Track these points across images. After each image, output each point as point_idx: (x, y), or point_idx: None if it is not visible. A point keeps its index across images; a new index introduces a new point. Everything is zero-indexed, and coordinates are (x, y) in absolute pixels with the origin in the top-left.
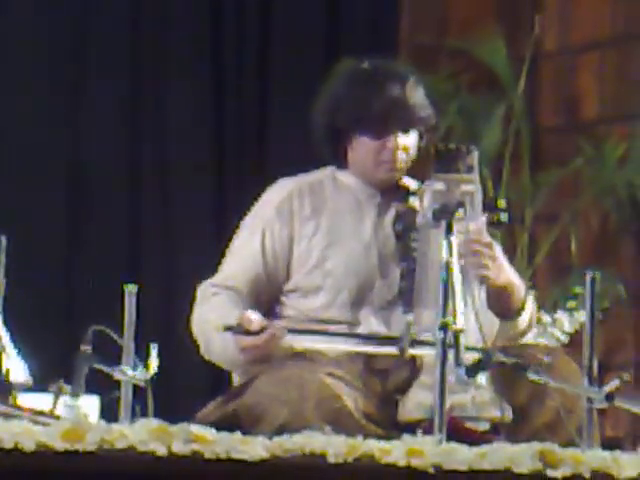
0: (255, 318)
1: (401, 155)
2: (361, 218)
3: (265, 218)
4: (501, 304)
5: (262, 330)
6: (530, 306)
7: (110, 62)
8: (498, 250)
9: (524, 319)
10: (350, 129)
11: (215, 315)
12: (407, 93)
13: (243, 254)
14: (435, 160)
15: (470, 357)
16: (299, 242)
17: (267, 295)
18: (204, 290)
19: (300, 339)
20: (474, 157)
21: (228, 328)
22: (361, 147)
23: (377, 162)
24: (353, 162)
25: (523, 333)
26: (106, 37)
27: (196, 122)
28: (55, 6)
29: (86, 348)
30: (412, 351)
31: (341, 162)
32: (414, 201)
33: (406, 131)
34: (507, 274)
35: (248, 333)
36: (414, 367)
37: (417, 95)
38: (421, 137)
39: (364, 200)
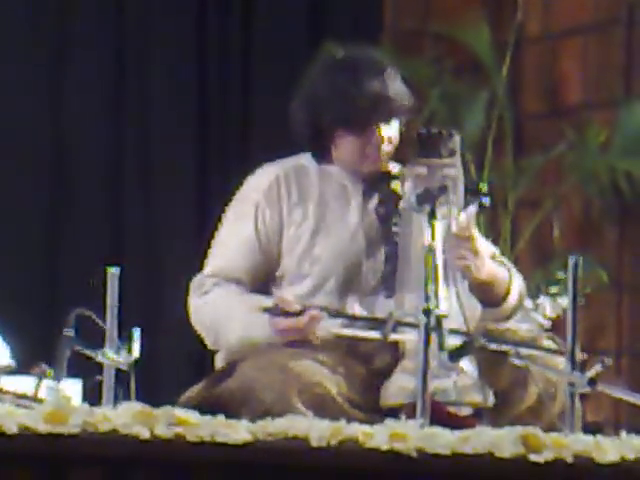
0: (293, 300)
1: (385, 147)
2: (347, 204)
3: (254, 204)
4: (484, 295)
5: (301, 312)
6: (516, 289)
7: (92, 56)
8: (480, 242)
9: (509, 304)
10: (333, 128)
11: (225, 303)
12: (386, 85)
13: (237, 242)
14: (417, 144)
15: (453, 342)
16: (288, 228)
17: (264, 282)
18: (201, 282)
19: (336, 324)
20: (456, 141)
21: (266, 309)
22: (345, 144)
23: (362, 157)
24: (337, 157)
25: (510, 315)
26: (89, 26)
27: (180, 110)
28: None
29: (69, 331)
30: (396, 336)
31: (325, 158)
32: (396, 185)
33: (388, 122)
34: (488, 267)
35: (287, 315)
36: (397, 352)
37: (396, 85)
38: (402, 123)
39: (349, 185)
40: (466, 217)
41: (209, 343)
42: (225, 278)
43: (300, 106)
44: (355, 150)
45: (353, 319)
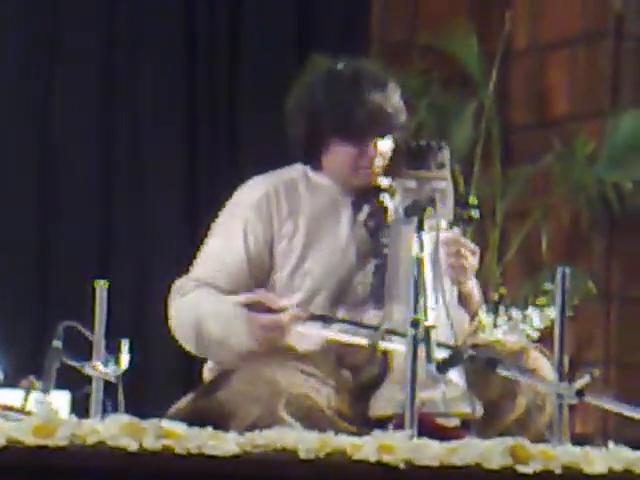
0: (275, 297)
1: (378, 161)
2: (337, 217)
3: (245, 219)
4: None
5: (283, 309)
6: (476, 321)
7: (82, 57)
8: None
9: (473, 325)
10: (330, 136)
11: (204, 303)
12: (388, 100)
13: (225, 257)
14: (406, 157)
15: (441, 354)
16: (279, 242)
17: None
18: (182, 285)
19: (317, 327)
20: (445, 154)
21: (247, 304)
22: (339, 153)
23: (355, 168)
24: (329, 166)
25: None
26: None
27: (168, 120)
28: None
29: (57, 344)
30: (385, 344)
31: (315, 164)
32: (386, 198)
33: (384, 137)
34: (471, 284)
35: (269, 311)
36: (385, 363)
37: (396, 101)
38: (395, 140)
39: (339, 198)
40: (454, 234)
41: (189, 347)
42: (205, 283)
43: (298, 110)
44: (348, 160)
45: (335, 322)
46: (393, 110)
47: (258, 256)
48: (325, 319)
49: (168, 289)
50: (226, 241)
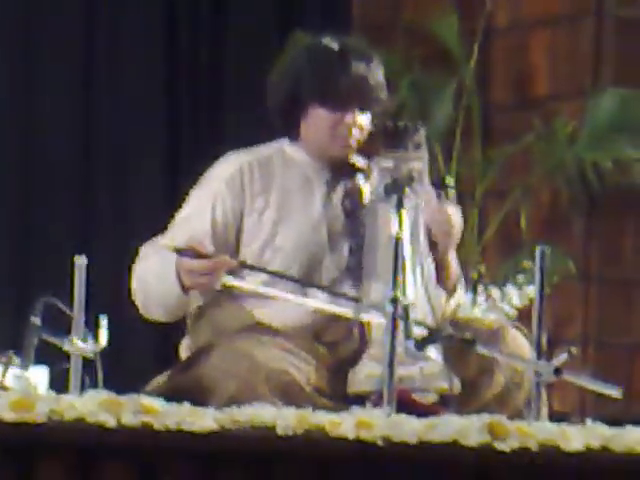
0: (207, 244)
1: (356, 132)
2: (310, 194)
3: (215, 191)
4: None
5: (213, 256)
6: (458, 294)
7: (63, 51)
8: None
9: (450, 304)
10: (310, 99)
11: (154, 262)
12: (371, 73)
13: (191, 224)
14: (383, 137)
15: (419, 331)
16: (249, 216)
17: None
18: (145, 250)
19: (247, 280)
20: (422, 134)
21: (178, 250)
22: (317, 120)
23: (332, 136)
24: (306, 135)
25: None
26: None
27: (150, 89)
28: None
29: (35, 319)
30: (364, 316)
31: (293, 133)
32: (362, 178)
33: (363, 110)
34: (451, 257)
35: (199, 256)
36: (363, 339)
37: (379, 76)
38: (373, 117)
39: (313, 176)
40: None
41: (140, 308)
42: (168, 249)
43: (279, 78)
44: (327, 128)
45: (272, 274)
46: (375, 83)
47: (224, 229)
48: (258, 269)
49: None
50: (194, 211)
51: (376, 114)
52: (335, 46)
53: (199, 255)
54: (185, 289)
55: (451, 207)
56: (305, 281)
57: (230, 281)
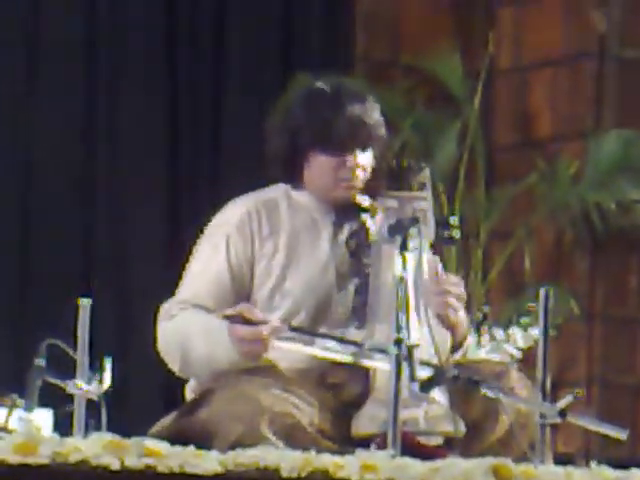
0: (256, 309)
1: (359, 173)
2: (317, 237)
3: (227, 237)
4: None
5: (264, 321)
6: (464, 347)
7: (64, 78)
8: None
9: (455, 357)
10: (309, 147)
11: (193, 323)
12: (367, 112)
13: (208, 273)
14: (387, 177)
15: (424, 373)
16: (260, 261)
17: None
18: (170, 307)
19: (296, 343)
20: (426, 174)
21: (227, 317)
22: (319, 165)
23: (335, 180)
24: (310, 180)
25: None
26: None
27: (150, 137)
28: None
29: (40, 362)
30: (368, 362)
31: (296, 181)
32: (366, 218)
33: (364, 149)
34: (460, 315)
35: (249, 323)
36: (367, 382)
37: (375, 114)
38: (375, 156)
39: (320, 218)
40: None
41: (175, 367)
42: (192, 305)
43: (278, 127)
44: (329, 172)
45: (316, 336)
46: (372, 122)
47: (240, 273)
48: (306, 332)
49: (152, 308)
50: (209, 259)
51: (378, 151)
52: (329, 89)
53: (248, 321)
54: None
55: (453, 277)
56: (342, 339)
57: (284, 344)
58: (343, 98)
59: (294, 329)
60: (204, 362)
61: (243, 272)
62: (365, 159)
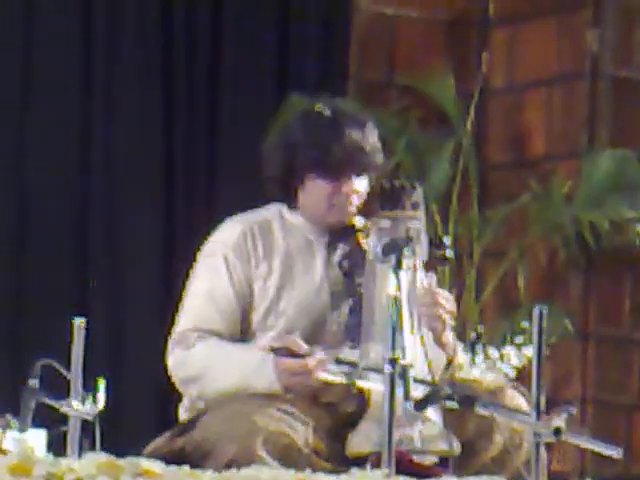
0: (301, 342)
1: (354, 199)
2: (312, 258)
3: (224, 257)
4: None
5: (309, 354)
6: (454, 364)
7: (60, 97)
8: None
9: (446, 374)
10: (306, 170)
11: (223, 353)
12: (365, 139)
13: (215, 298)
14: (381, 197)
15: (419, 390)
16: (256, 282)
17: (239, 335)
18: (184, 335)
19: (340, 373)
20: (419, 194)
21: (274, 350)
22: (314, 190)
23: (330, 205)
24: (304, 203)
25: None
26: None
27: (146, 155)
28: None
29: (33, 382)
30: (362, 382)
31: (290, 202)
32: (360, 239)
33: (361, 175)
34: (448, 332)
35: (294, 356)
36: (362, 401)
37: (373, 141)
38: (371, 180)
39: (314, 239)
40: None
41: (194, 394)
42: (207, 332)
43: (274, 148)
44: (324, 197)
45: (355, 366)
46: (370, 149)
47: (242, 293)
48: (349, 364)
49: (147, 329)
50: (212, 283)
51: (374, 176)
52: (328, 113)
53: (293, 354)
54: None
55: (443, 291)
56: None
57: (322, 376)
58: (342, 122)
59: (340, 362)
60: (233, 391)
61: (244, 292)
62: (361, 185)
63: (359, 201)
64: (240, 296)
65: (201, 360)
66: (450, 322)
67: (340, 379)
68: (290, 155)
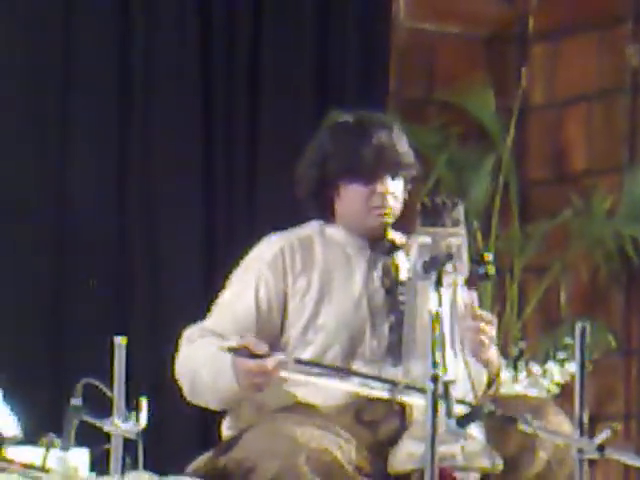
0: (259, 342)
1: (390, 200)
2: (351, 273)
3: (258, 273)
4: None
5: (268, 355)
6: (498, 382)
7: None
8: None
9: (490, 391)
10: (339, 178)
11: (203, 350)
12: (394, 139)
13: (236, 308)
14: (421, 214)
15: (460, 408)
16: (293, 297)
17: None
18: (191, 333)
19: (301, 373)
20: (460, 211)
21: (232, 349)
22: (350, 195)
23: (367, 208)
24: (342, 212)
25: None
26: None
27: (184, 173)
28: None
29: (76, 401)
30: (404, 398)
31: (328, 216)
32: (400, 256)
33: (394, 177)
34: (492, 351)
35: (254, 356)
36: (404, 418)
37: (402, 142)
38: (406, 186)
39: (353, 254)
40: (470, 297)
41: (186, 393)
42: (212, 332)
43: (306, 165)
44: (361, 201)
45: (327, 368)
46: (399, 148)
47: (268, 311)
48: (312, 364)
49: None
50: (238, 294)
51: (409, 181)
52: (354, 120)
53: (254, 355)
54: (242, 388)
55: (486, 314)
56: (348, 371)
57: (288, 375)
58: (368, 127)
59: (300, 362)
60: (208, 390)
61: (271, 310)
62: (396, 187)
63: (396, 203)
64: (263, 316)
65: (191, 357)
66: (491, 347)
67: (304, 378)
68: (322, 166)
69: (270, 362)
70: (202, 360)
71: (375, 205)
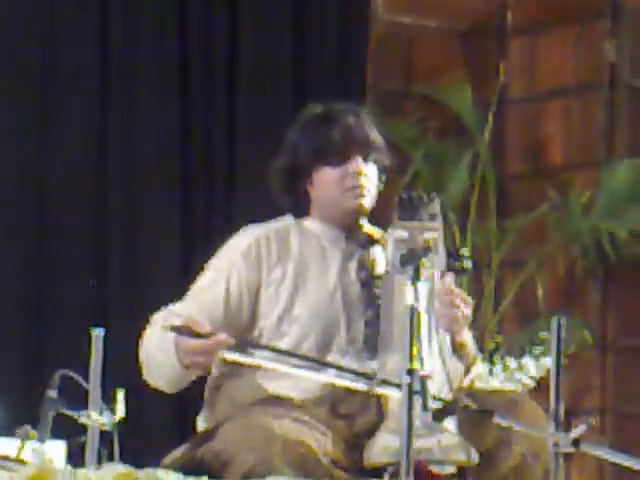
0: (203, 321)
1: (364, 181)
2: (326, 265)
3: (231, 263)
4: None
5: (211, 335)
6: (473, 372)
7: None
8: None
9: (466, 381)
10: (311, 165)
11: (157, 333)
12: (361, 123)
13: (205, 296)
14: (398, 208)
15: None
16: (267, 288)
17: None
18: (157, 316)
19: (248, 356)
20: (436, 205)
21: (174, 328)
22: (323, 179)
23: (341, 190)
24: (317, 201)
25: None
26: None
27: (164, 165)
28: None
29: (52, 393)
30: (379, 390)
31: (303, 208)
32: (377, 249)
33: (365, 158)
34: (466, 334)
35: (196, 336)
36: (380, 411)
37: (371, 127)
38: (380, 174)
39: (329, 246)
40: (447, 280)
41: (144, 375)
42: (178, 316)
43: (279, 158)
44: (334, 183)
45: (275, 352)
46: (368, 130)
47: (239, 301)
48: (256, 346)
49: None
50: (210, 282)
51: (382, 170)
52: (322, 110)
53: (196, 334)
54: (184, 366)
55: (463, 292)
56: (312, 359)
57: (231, 356)
58: (336, 112)
59: (244, 343)
60: (157, 370)
61: (243, 300)
62: (369, 169)
63: (371, 187)
64: (233, 306)
65: (149, 338)
66: (465, 323)
67: (245, 360)
68: (293, 157)
69: (211, 341)
70: (155, 341)
71: (349, 186)
